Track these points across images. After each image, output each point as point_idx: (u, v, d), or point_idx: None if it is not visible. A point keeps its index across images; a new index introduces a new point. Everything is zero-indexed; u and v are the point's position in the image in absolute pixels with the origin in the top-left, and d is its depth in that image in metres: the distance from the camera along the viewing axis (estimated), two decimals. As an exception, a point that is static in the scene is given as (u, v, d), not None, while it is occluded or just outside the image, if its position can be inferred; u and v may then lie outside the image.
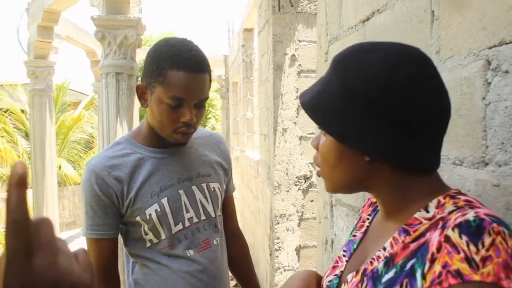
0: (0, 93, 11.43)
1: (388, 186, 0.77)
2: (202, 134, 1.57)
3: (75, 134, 13.48)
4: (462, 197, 0.72)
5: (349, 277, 0.82)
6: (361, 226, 0.95)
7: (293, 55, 3.55)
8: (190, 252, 1.41)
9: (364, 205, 1.02)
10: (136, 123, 4.03)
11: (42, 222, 0.39)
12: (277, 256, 3.69)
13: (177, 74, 1.28)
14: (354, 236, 0.94)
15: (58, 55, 7.05)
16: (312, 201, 3.66)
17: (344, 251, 0.94)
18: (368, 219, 0.94)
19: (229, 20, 10.57)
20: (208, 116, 18.37)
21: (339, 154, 0.77)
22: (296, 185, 3.64)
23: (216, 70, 11.58)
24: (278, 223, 3.64)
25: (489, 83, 0.88)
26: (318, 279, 0.98)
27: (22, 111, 11.98)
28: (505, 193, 0.83)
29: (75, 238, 9.43)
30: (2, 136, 11.21)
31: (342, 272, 0.88)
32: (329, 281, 0.90)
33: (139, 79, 1.46)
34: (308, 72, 3.57)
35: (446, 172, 1.01)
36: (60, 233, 7.49)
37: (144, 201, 1.38)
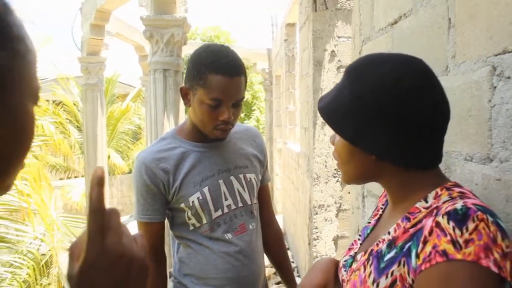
0: (55, 87, 11.89)
1: (394, 180, 0.90)
2: (239, 129, 1.72)
3: (123, 125, 13.76)
4: (457, 189, 0.83)
5: (359, 256, 0.96)
6: (376, 214, 1.07)
7: (333, 51, 3.63)
8: (228, 235, 1.57)
9: (380, 196, 1.13)
10: (182, 117, 4.22)
11: (112, 212, 0.54)
12: (315, 245, 3.80)
13: (216, 78, 1.43)
14: (369, 222, 1.07)
15: (109, 51, 7.37)
16: (349, 193, 3.74)
17: (359, 235, 1.07)
18: (382, 208, 1.06)
19: (272, 14, 10.62)
20: (252, 108, 18.49)
21: (350, 152, 0.89)
22: (334, 177, 3.73)
23: (260, 64, 11.63)
24: (316, 214, 3.75)
25: (495, 87, 0.96)
26: (336, 264, 1.11)
27: (74, 103, 12.44)
28: (506, 187, 0.92)
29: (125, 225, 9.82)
30: (56, 127, 11.71)
31: (356, 253, 1.01)
32: (345, 261, 1.03)
33: (184, 76, 1.61)
34: (349, 64, 3.64)
35: (459, 166, 1.10)
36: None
37: (187, 189, 1.54)
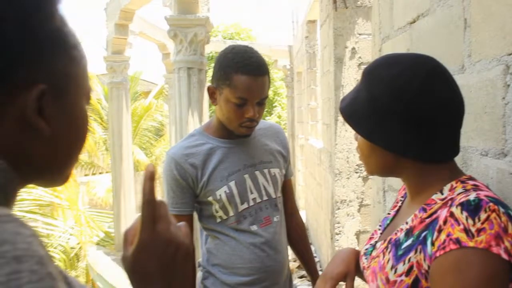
0: None
1: (411, 174, 0.96)
2: (263, 125, 1.79)
3: (146, 122, 13.93)
4: (471, 182, 0.89)
5: (378, 244, 1.02)
6: (395, 206, 1.14)
7: (353, 48, 3.67)
8: (254, 227, 1.65)
9: (400, 189, 1.20)
10: (205, 114, 4.31)
11: (162, 203, 0.62)
12: (337, 240, 3.86)
13: (241, 78, 1.51)
14: (389, 214, 1.14)
15: (132, 50, 7.52)
16: (371, 188, 3.78)
17: (379, 226, 1.13)
18: (401, 200, 1.13)
19: (293, 11, 10.62)
20: (274, 105, 18.53)
21: (371, 148, 0.96)
22: (356, 172, 3.78)
23: (281, 60, 11.67)
24: (338, 209, 3.80)
25: (508, 85, 1.01)
26: (357, 254, 1.18)
27: (98, 101, 12.66)
28: (518, 180, 0.98)
29: (148, 220, 9.98)
30: (81, 125, 11.85)
31: (376, 242, 1.08)
32: (366, 249, 1.10)
33: (207, 74, 1.70)
34: (368, 64, 3.67)
35: (475, 161, 1.15)
36: (136, 215, 8.03)
37: (215, 184, 1.62)
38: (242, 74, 1.52)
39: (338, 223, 3.82)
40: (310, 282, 1.94)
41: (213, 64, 1.68)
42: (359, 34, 3.66)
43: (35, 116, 0.53)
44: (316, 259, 5.66)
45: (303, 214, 8.38)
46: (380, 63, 0.97)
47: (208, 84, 1.70)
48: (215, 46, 10.79)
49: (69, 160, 0.63)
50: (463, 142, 1.20)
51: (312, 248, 6.36)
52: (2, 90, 0.51)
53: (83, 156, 11.85)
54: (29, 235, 0.43)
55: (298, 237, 1.91)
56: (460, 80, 1.20)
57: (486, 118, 1.09)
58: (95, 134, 12.34)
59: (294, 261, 5.21)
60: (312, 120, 7.65)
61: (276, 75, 17.76)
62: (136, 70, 13.62)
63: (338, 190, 3.79)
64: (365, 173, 3.76)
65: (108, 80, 7.43)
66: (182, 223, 0.65)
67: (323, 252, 4.97)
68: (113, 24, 6.74)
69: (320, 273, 1.69)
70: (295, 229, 1.89)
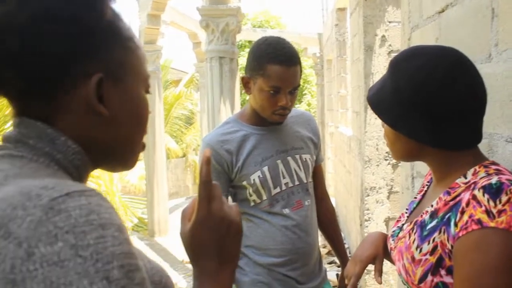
0: None
1: (434, 159, 1.02)
2: (295, 113, 1.86)
3: (177, 111, 14.05)
4: (493, 167, 0.94)
5: (405, 226, 1.09)
6: (421, 191, 1.19)
7: (383, 36, 3.67)
8: (286, 211, 1.73)
9: (426, 174, 1.25)
10: (237, 102, 4.40)
11: (216, 185, 0.69)
12: (366, 226, 3.90)
13: (274, 68, 1.59)
14: (415, 198, 1.20)
15: (164, 39, 7.65)
16: (400, 175, 3.80)
17: (406, 209, 1.20)
18: (427, 185, 1.18)
19: (323, -2, 10.59)
20: (303, 92, 18.46)
21: (395, 135, 1.02)
22: (385, 159, 3.80)
23: (311, 48, 11.62)
24: (368, 195, 3.84)
25: (533, 74, 1.06)
26: (385, 238, 1.25)
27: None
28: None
29: (179, 207, 10.15)
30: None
31: (403, 224, 1.14)
32: (393, 231, 1.16)
33: (239, 63, 1.77)
34: (398, 52, 3.68)
35: (500, 148, 1.19)
36: (167, 202, 8.22)
37: (249, 169, 1.71)
38: (275, 64, 1.59)
39: (368, 209, 3.86)
40: (339, 268, 2.01)
41: (243, 53, 1.75)
42: (389, 22, 3.66)
43: (95, 102, 0.62)
44: (346, 246, 5.71)
45: (332, 201, 8.42)
46: (405, 55, 1.02)
47: (240, 73, 1.78)
48: (245, 35, 10.84)
49: (133, 145, 0.72)
50: (489, 129, 1.24)
51: (342, 234, 6.42)
52: (68, 83, 0.61)
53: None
54: (109, 207, 0.52)
55: (328, 221, 1.98)
56: (487, 68, 1.24)
57: (511, 105, 1.13)
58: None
59: (324, 247, 5.27)
60: (342, 108, 7.64)
61: (305, 62, 17.66)
62: (167, 58, 13.71)
63: (368, 177, 3.82)
64: (394, 161, 3.78)
65: (140, 70, 7.57)
66: (234, 203, 0.72)
67: (352, 239, 5.02)
68: (146, 15, 6.86)
69: (349, 257, 1.76)
70: (325, 213, 1.97)
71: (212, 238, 0.66)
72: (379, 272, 1.18)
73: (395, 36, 3.67)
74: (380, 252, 1.22)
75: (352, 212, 4.96)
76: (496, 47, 1.22)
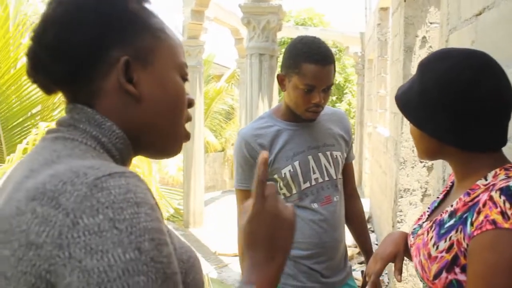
0: None
1: (455, 160, 1.05)
2: (328, 111, 1.91)
3: (217, 105, 14.18)
4: None
5: (425, 224, 1.12)
6: (444, 191, 1.22)
7: (424, 37, 3.64)
8: (315, 205, 1.78)
9: (450, 175, 1.28)
10: (275, 98, 4.45)
11: (271, 184, 0.75)
12: (399, 228, 3.88)
13: (309, 67, 1.64)
14: (438, 197, 1.22)
15: (207, 35, 7.77)
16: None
17: (428, 208, 1.23)
18: (450, 185, 1.21)
19: (367, -3, 10.49)
20: (344, 92, 18.31)
21: (419, 134, 1.06)
22: (421, 162, 3.77)
23: (352, 47, 11.53)
24: (401, 197, 3.83)
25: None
26: (406, 237, 1.27)
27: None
28: None
29: (215, 199, 10.28)
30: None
31: (423, 222, 1.17)
32: (413, 229, 1.20)
33: (279, 60, 1.84)
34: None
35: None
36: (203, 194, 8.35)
37: (280, 163, 1.76)
38: (310, 63, 1.64)
39: (401, 211, 3.84)
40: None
41: (284, 50, 1.81)
42: (430, 23, 3.62)
43: (124, 81, 0.70)
44: (377, 246, 5.69)
45: (367, 202, 8.34)
46: (434, 57, 1.06)
47: (278, 71, 1.84)
48: (287, 32, 10.84)
49: (172, 130, 0.77)
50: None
51: (374, 235, 6.39)
52: (101, 68, 0.70)
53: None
54: (145, 188, 0.60)
55: (356, 219, 2.02)
56: (517, 73, 1.26)
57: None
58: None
59: (355, 247, 5.27)
60: (381, 108, 7.57)
61: (347, 61, 17.53)
62: (210, 53, 13.81)
63: (402, 179, 3.81)
64: (429, 163, 3.75)
65: (183, 64, 7.72)
66: (290, 204, 0.78)
67: (385, 240, 4.98)
68: (189, 10, 7.00)
69: None
70: (353, 210, 2.00)
71: (264, 232, 0.72)
72: (399, 271, 1.20)
73: (435, 37, 3.62)
74: (401, 250, 1.24)
75: (386, 213, 4.94)
76: (528, 52, 1.24)
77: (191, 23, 7.03)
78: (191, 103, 0.81)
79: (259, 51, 4.23)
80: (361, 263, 5.26)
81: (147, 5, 0.76)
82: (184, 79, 0.79)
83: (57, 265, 0.51)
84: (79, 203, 0.53)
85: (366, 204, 8.36)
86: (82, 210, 0.53)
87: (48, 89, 0.74)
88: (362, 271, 1.97)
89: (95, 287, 0.50)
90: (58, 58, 0.68)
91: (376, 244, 5.78)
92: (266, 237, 0.72)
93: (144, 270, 0.53)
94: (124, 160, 0.73)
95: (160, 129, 0.76)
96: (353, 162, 2.01)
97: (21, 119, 6.05)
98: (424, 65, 1.06)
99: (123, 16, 0.71)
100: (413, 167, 3.78)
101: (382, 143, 5.88)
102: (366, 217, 7.22)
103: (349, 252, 4.94)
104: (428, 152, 1.09)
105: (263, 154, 0.72)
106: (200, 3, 6.72)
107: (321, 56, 1.65)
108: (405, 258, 1.26)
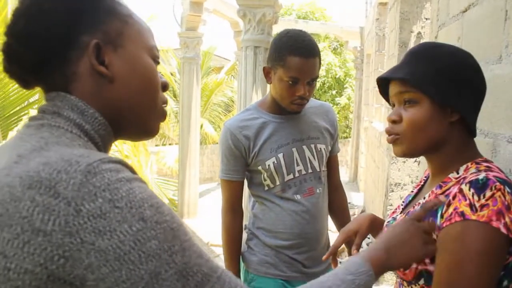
0: None
1: (452, 146, 1.03)
2: (314, 104, 1.92)
3: (217, 97, 14.17)
4: (485, 164, 0.98)
5: (398, 217, 1.14)
6: (418, 185, 1.24)
7: (419, 33, 3.65)
8: (298, 197, 1.80)
9: (425, 171, 1.29)
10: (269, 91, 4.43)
11: (431, 224, 0.93)
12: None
13: (294, 59, 1.65)
14: (412, 191, 1.24)
15: (206, 27, 7.75)
16: (427, 173, 3.77)
17: (402, 201, 1.24)
18: (424, 180, 1.22)
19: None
20: (344, 86, 18.27)
21: (430, 117, 1.01)
22: (409, 158, 3.79)
23: (352, 42, 11.51)
24: (392, 191, 3.85)
25: (535, 77, 1.08)
26: (372, 220, 1.28)
27: (172, 73, 13.05)
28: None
29: (211, 191, 10.30)
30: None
31: (397, 215, 1.19)
32: (388, 222, 1.21)
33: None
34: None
35: (502, 147, 1.21)
36: (199, 186, 8.36)
37: (265, 154, 1.78)
38: (294, 56, 1.66)
39: (391, 205, 3.87)
40: None
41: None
42: (426, 19, 3.63)
43: (95, 62, 0.73)
44: (369, 240, 5.71)
45: (361, 196, 8.37)
46: (429, 45, 1.08)
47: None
48: (287, 25, 10.75)
49: (147, 110, 0.80)
50: (495, 129, 1.27)
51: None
52: (74, 53, 0.72)
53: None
54: (130, 167, 0.65)
55: (340, 210, 2.04)
56: (497, 70, 1.27)
57: (514, 107, 1.16)
58: (168, 106, 12.70)
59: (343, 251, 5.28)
60: (378, 103, 7.57)
61: (348, 56, 17.48)
62: (211, 45, 13.77)
63: (393, 173, 3.83)
64: (421, 158, 3.77)
65: (181, 55, 7.73)
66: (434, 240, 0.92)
67: (377, 234, 5.01)
68: (188, 2, 6.99)
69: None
70: (337, 201, 2.02)
71: (394, 237, 0.86)
72: (356, 246, 1.20)
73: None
74: (363, 229, 1.24)
75: (378, 207, 4.97)
76: (506, 48, 1.24)
77: (189, 14, 7.03)
78: (165, 86, 0.84)
79: (254, 44, 4.23)
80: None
81: None
82: (155, 61, 0.82)
83: (71, 251, 0.55)
84: (77, 190, 0.57)
85: (360, 198, 8.40)
86: (82, 197, 0.56)
87: (26, 82, 0.77)
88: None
89: (114, 262, 0.55)
90: (29, 47, 0.71)
91: (368, 238, 5.81)
92: (393, 241, 0.87)
93: (153, 234, 0.58)
94: (105, 146, 0.76)
95: (137, 109, 0.78)
96: (350, 157, 2.03)
97: (18, 108, 6.06)
98: (423, 51, 1.05)
99: (89, 3, 0.74)
100: (404, 162, 3.81)
101: (376, 137, 5.90)
102: (360, 210, 7.28)
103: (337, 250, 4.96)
104: (432, 138, 1.03)
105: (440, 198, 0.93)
106: (199, -5, 6.71)
107: (305, 49, 1.66)
108: (372, 237, 1.28)
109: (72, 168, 0.58)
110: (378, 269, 0.83)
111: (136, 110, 0.78)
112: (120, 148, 6.30)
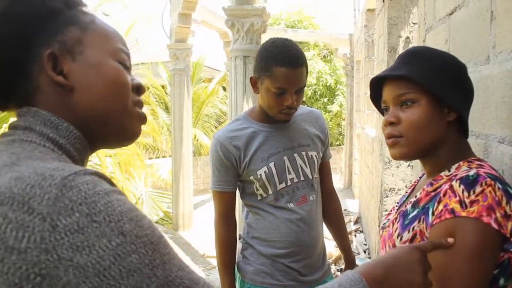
0: (145, 72, 12.40)
1: (449, 146, 1.03)
2: (304, 111, 1.92)
3: (207, 108, 14.20)
4: (476, 162, 0.98)
5: (391, 217, 1.13)
6: (411, 186, 1.24)
7: (407, 38, 3.66)
8: (291, 205, 1.78)
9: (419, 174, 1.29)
10: (259, 101, 4.44)
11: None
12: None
13: (280, 70, 1.64)
14: (406, 192, 1.24)
15: (195, 38, 7.76)
16: (420, 177, 3.78)
17: (397, 203, 1.24)
18: (418, 180, 1.22)
19: (355, -1, 10.52)
20: (336, 93, 18.31)
21: (431, 116, 1.01)
22: (406, 161, 3.80)
23: (341, 49, 11.56)
24: (387, 196, 3.84)
25: (525, 76, 1.08)
26: None
27: (162, 86, 12.99)
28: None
29: (206, 202, 10.25)
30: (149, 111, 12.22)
31: (392, 217, 1.18)
32: (383, 223, 1.21)
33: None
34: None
35: (493, 148, 1.21)
36: (194, 197, 8.32)
37: (256, 164, 1.77)
38: (281, 66, 1.64)
39: (386, 210, 3.86)
40: None
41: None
42: (413, 24, 3.65)
43: (53, 74, 0.71)
44: (365, 247, 5.69)
45: (356, 203, 8.35)
46: (422, 47, 1.10)
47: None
48: (277, 34, 10.81)
49: (120, 114, 0.77)
50: (486, 129, 1.26)
51: (362, 235, 6.40)
52: (34, 67, 0.71)
53: (148, 140, 12.26)
54: (108, 179, 0.63)
55: (334, 216, 2.03)
56: (485, 70, 1.27)
57: (504, 107, 1.14)
58: (159, 118, 12.69)
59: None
60: (369, 109, 7.59)
61: (338, 63, 17.55)
62: (200, 56, 13.75)
63: (387, 179, 3.83)
64: (414, 162, 3.77)
65: (171, 67, 7.73)
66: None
67: (372, 240, 5.01)
68: (177, 14, 6.99)
69: (367, 257, 1.79)
70: (331, 208, 2.01)
71: (395, 258, 0.83)
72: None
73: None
74: None
75: (373, 213, 4.96)
76: (493, 49, 1.24)
77: (178, 26, 7.03)
78: (139, 88, 0.82)
79: (244, 53, 4.23)
80: (341, 270, 5.25)
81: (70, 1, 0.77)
82: (123, 64, 0.79)
83: (48, 268, 0.53)
84: (52, 205, 0.54)
85: (355, 205, 8.38)
86: (58, 212, 0.54)
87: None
88: (340, 269, 1.97)
89: (94, 278, 0.53)
90: None
91: (365, 244, 5.79)
92: (393, 263, 0.83)
93: (133, 249, 0.56)
94: (82, 160, 0.74)
95: (106, 114, 0.76)
96: (344, 164, 2.03)
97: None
98: (419, 51, 1.07)
99: (42, 13, 0.72)
100: (398, 167, 3.80)
101: (369, 143, 5.90)
102: (355, 217, 7.26)
103: (337, 253, 4.95)
104: (432, 138, 1.02)
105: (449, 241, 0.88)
106: (187, 7, 6.72)
107: (291, 59, 1.65)
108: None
109: (46, 182, 0.56)
110: (375, 286, 0.80)
111: (106, 116, 0.76)
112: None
